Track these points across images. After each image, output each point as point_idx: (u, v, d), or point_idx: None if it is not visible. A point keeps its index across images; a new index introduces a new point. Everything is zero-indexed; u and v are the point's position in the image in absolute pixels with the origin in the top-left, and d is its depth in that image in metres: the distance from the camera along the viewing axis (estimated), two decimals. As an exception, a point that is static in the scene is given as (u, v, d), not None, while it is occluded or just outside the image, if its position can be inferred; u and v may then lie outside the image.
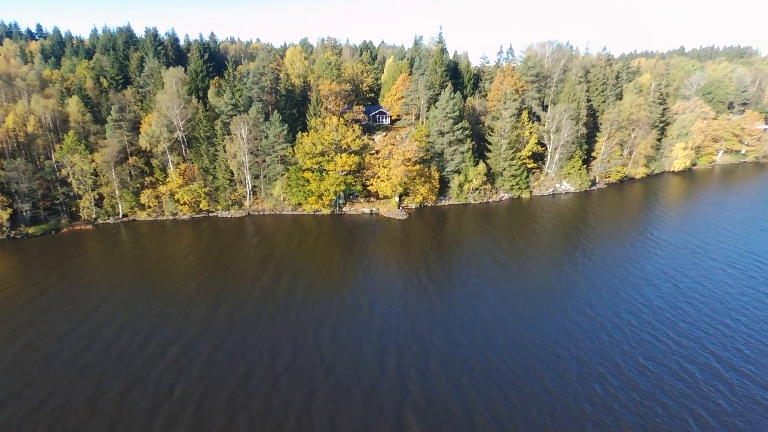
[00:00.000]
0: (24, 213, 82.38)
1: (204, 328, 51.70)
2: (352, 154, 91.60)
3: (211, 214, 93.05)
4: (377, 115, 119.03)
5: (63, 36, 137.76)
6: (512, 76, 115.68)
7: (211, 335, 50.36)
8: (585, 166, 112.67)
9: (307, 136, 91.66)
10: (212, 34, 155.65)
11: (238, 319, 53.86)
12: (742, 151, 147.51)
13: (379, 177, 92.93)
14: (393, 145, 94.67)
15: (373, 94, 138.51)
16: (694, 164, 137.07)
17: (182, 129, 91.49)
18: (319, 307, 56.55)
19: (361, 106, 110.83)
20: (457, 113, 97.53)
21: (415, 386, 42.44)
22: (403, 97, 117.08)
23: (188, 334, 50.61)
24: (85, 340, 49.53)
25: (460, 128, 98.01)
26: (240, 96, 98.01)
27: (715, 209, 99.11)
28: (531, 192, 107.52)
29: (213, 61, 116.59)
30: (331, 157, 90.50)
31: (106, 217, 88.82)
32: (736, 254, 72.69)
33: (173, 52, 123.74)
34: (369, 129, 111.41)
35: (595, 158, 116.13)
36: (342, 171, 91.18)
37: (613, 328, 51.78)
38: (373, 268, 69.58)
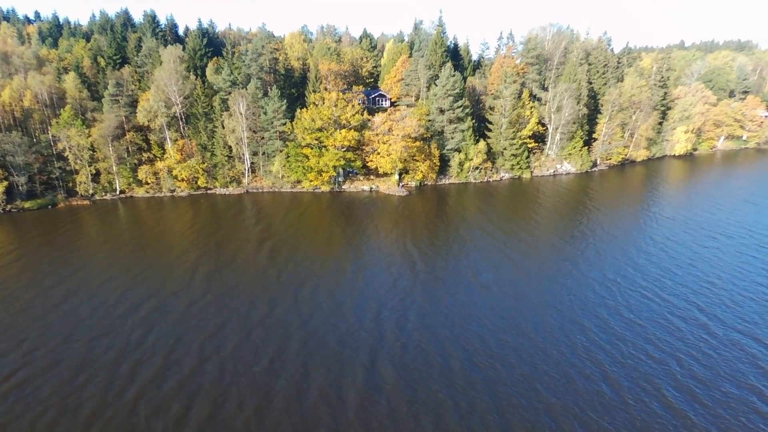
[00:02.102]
0: (20, 187, 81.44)
1: (181, 287, 51.18)
2: (352, 130, 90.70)
3: (209, 191, 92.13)
4: (377, 98, 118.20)
5: (61, 21, 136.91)
6: (512, 58, 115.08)
7: (188, 293, 49.86)
8: (586, 147, 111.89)
9: (306, 111, 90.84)
10: (211, 22, 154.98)
11: (217, 279, 53.25)
12: (744, 137, 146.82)
13: (378, 153, 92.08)
14: (393, 121, 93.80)
15: (372, 80, 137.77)
16: (695, 149, 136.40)
17: (180, 105, 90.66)
18: (302, 270, 55.94)
19: (360, 86, 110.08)
20: (457, 91, 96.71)
21: (391, 335, 42.02)
22: (402, 78, 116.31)
23: (164, 292, 50.14)
24: (59, 297, 48.97)
25: (460, 106, 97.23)
26: (239, 73, 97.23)
27: (712, 188, 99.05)
28: (532, 172, 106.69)
29: (212, 46, 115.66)
30: (331, 133, 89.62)
31: (103, 193, 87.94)
32: (727, 224, 72.96)
33: (171, 37, 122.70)
34: (369, 112, 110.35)
35: (596, 140, 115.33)
36: (341, 147, 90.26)
37: (600, 288, 51.52)
38: (366, 238, 68.69)
